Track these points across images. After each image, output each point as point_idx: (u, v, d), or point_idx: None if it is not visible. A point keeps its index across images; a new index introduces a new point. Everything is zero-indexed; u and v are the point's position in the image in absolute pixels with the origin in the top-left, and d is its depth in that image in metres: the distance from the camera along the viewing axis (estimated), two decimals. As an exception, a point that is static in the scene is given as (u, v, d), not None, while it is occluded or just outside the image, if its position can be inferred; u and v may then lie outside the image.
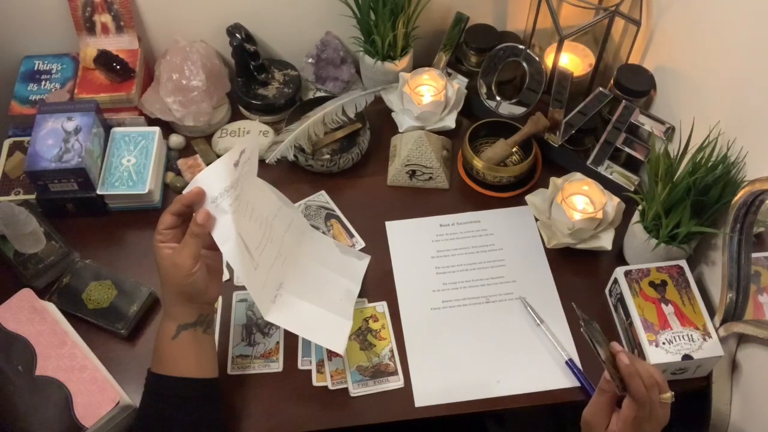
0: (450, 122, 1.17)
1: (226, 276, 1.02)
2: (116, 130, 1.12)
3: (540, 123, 1.11)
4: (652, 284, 0.94)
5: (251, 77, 1.20)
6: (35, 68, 1.18)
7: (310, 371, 0.94)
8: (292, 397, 0.92)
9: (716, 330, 0.90)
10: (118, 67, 1.13)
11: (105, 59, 1.13)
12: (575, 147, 1.13)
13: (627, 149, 1.08)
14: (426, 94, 1.16)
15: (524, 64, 1.14)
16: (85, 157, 1.03)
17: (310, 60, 1.22)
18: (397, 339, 0.97)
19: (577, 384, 0.93)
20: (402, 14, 1.13)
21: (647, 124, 1.07)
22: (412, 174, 1.12)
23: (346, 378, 0.93)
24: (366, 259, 1.04)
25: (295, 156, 1.12)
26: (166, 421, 0.81)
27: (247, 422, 0.90)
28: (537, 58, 1.13)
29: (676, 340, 0.89)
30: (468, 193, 1.13)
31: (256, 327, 0.98)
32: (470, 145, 1.12)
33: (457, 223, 1.09)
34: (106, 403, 0.85)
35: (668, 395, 0.74)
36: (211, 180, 0.80)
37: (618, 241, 1.04)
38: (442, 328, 0.98)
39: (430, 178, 1.12)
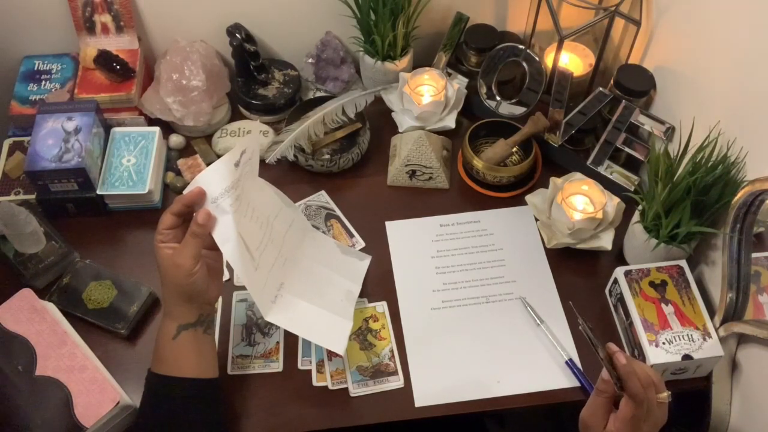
0: (450, 122, 1.17)
1: (226, 276, 1.02)
2: (116, 130, 1.12)
3: (540, 123, 1.11)
4: (652, 284, 0.94)
5: (251, 77, 1.20)
6: (35, 68, 1.18)
7: (310, 371, 0.94)
8: (292, 397, 0.92)
9: (716, 330, 0.90)
10: (118, 67, 1.13)
11: (105, 59, 1.13)
12: (575, 147, 1.13)
13: (627, 149, 1.08)
14: (426, 94, 1.16)
15: (524, 64, 1.14)
16: (85, 157, 1.02)
17: (310, 60, 1.22)
18: (397, 339, 0.97)
19: (577, 384, 0.93)
20: (402, 14, 1.13)
21: (647, 124, 1.07)
22: (412, 174, 1.12)
23: (346, 378, 0.93)
24: (367, 260, 1.04)
25: (295, 156, 1.12)
26: (166, 421, 0.81)
27: (247, 422, 0.90)
28: (537, 58, 1.13)
29: (676, 340, 0.89)
30: (468, 193, 1.13)
31: (256, 327, 0.98)
32: (470, 145, 1.12)
33: (457, 223, 1.09)
34: (106, 403, 0.85)
35: (665, 395, 0.74)
36: (211, 180, 0.80)
37: (618, 241, 1.04)
38: (442, 328, 0.98)
39: (430, 178, 1.12)
